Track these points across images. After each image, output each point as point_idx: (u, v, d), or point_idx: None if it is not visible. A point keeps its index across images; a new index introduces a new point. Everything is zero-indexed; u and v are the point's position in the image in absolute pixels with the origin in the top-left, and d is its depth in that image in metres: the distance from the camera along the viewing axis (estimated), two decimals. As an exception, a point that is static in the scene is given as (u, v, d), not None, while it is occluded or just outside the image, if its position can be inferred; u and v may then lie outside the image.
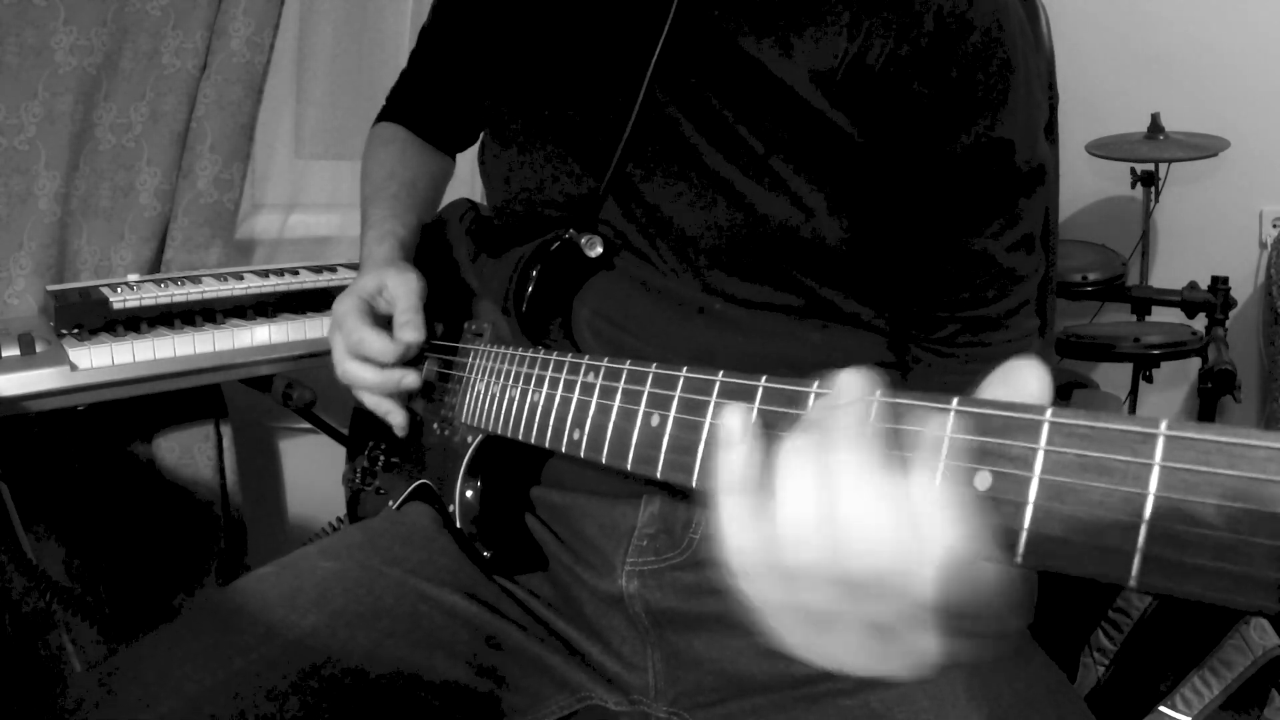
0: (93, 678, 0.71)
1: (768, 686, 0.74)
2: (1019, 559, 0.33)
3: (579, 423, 0.61)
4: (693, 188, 0.78)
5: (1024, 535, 0.32)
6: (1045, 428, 0.32)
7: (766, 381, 0.44)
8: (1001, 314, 0.80)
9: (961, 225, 0.77)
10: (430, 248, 1.02)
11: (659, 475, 0.51)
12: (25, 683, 1.41)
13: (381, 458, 0.99)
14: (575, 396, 0.62)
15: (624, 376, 0.56)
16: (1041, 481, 0.32)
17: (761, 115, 0.75)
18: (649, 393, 0.53)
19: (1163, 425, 0.30)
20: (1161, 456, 0.29)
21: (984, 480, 0.34)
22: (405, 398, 0.91)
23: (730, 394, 0.45)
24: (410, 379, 0.88)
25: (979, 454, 0.34)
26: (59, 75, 1.39)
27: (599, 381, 0.59)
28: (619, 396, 0.56)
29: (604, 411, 0.58)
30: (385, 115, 1.16)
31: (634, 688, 0.81)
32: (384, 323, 0.90)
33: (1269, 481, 0.27)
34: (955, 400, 0.36)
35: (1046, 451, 0.32)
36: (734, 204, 0.76)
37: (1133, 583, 0.29)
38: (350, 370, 0.89)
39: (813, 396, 0.42)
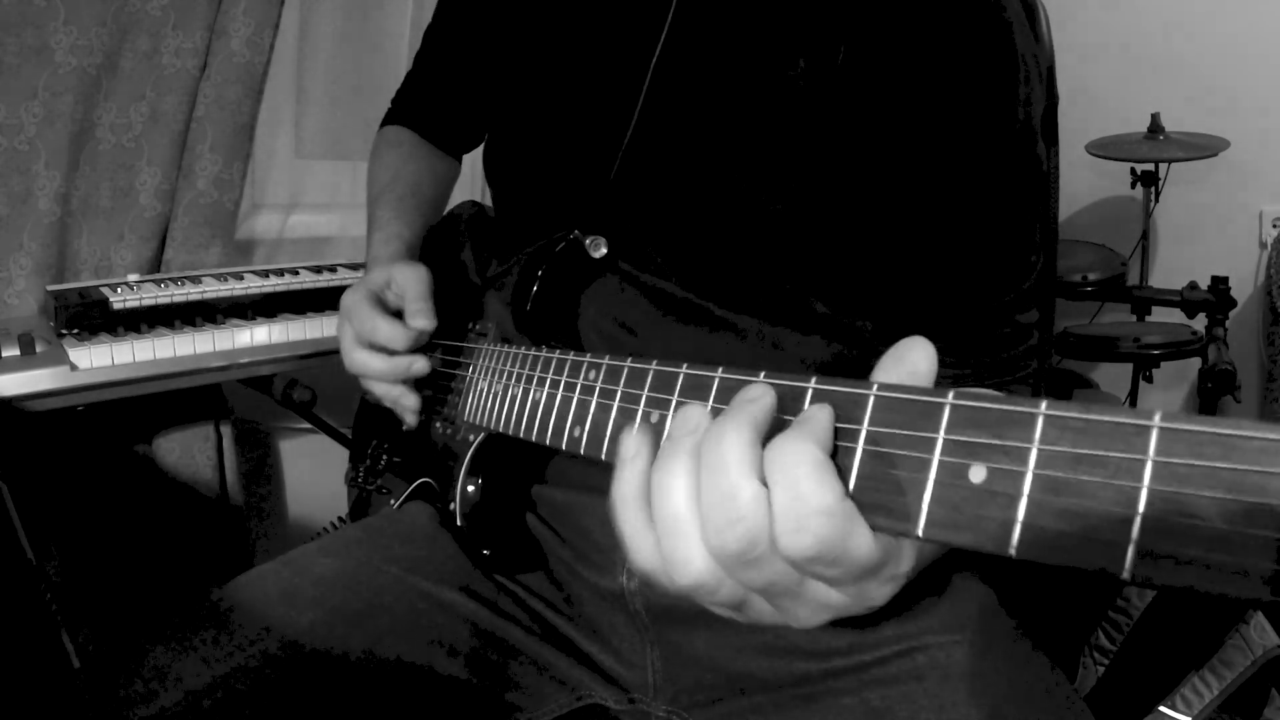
0: (93, 673, 0.71)
1: (767, 685, 0.74)
2: (1013, 552, 0.33)
3: (580, 420, 0.61)
4: (692, 190, 0.78)
5: (1018, 528, 0.32)
6: (1040, 421, 0.32)
7: (766, 377, 0.44)
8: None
9: (961, 227, 0.77)
10: (436, 249, 1.02)
11: None
12: (25, 682, 1.41)
13: (384, 457, 1.00)
14: (576, 395, 0.62)
15: (624, 375, 0.56)
16: (1035, 475, 0.32)
17: (761, 115, 0.75)
18: (649, 390, 0.53)
19: (1156, 417, 0.29)
20: (1155, 449, 0.29)
21: (979, 474, 0.34)
22: (415, 385, 0.92)
23: (729, 390, 0.45)
24: (420, 364, 0.88)
25: (974, 448, 0.34)
26: (59, 75, 1.39)
27: (599, 379, 0.59)
28: (619, 395, 0.56)
29: (604, 409, 0.58)
30: (390, 118, 1.17)
31: (633, 686, 0.81)
32: (392, 315, 0.90)
33: (1263, 473, 0.27)
34: (951, 394, 0.36)
35: (1041, 445, 0.32)
36: (732, 209, 0.76)
37: (1126, 575, 0.29)
38: (360, 359, 0.89)
39: (809, 394, 0.42)
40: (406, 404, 0.91)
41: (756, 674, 0.75)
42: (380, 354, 0.89)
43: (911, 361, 0.42)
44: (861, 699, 0.68)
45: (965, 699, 0.65)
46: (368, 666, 0.73)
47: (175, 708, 0.66)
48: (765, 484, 0.40)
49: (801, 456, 0.39)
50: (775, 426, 0.42)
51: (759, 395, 0.42)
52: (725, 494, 0.40)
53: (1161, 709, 1.40)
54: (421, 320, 0.88)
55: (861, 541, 0.39)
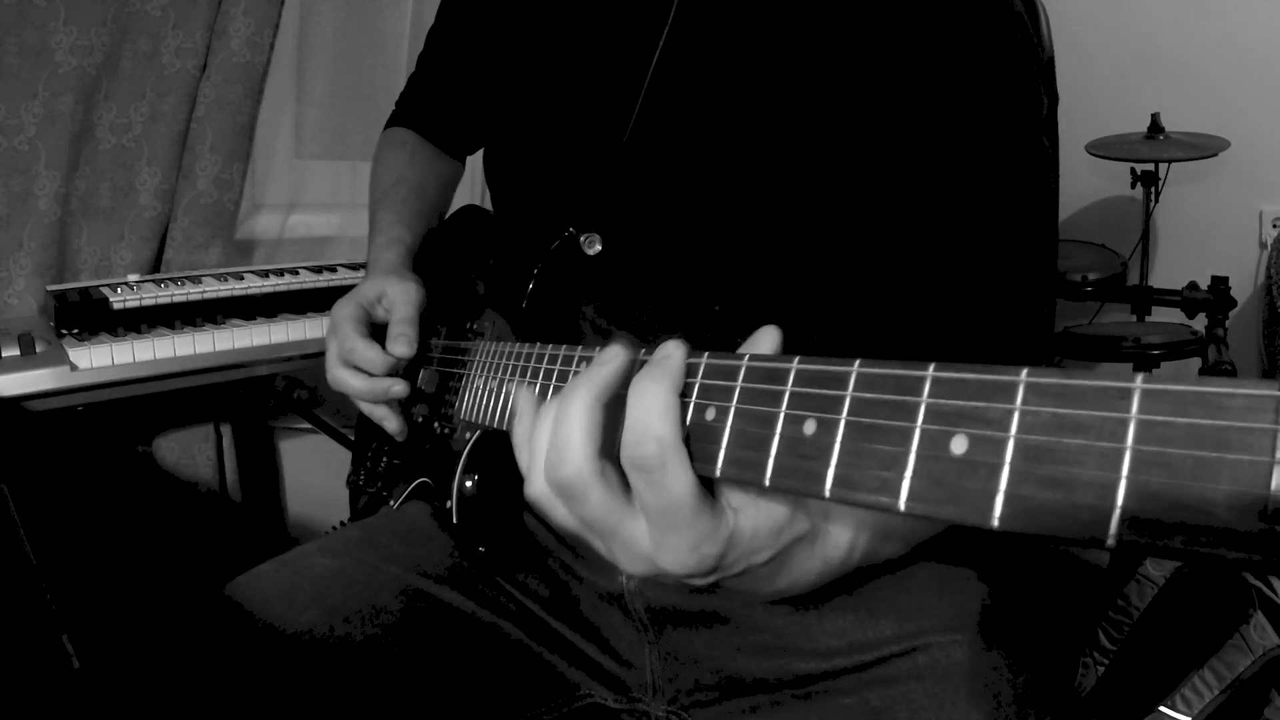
0: (93, 674, 0.71)
1: (766, 685, 0.74)
2: (996, 523, 0.32)
3: (571, 413, 0.60)
4: (694, 187, 0.78)
5: (1000, 498, 0.32)
6: (1021, 388, 0.32)
7: (749, 358, 0.44)
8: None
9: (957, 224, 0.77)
10: (437, 250, 1.02)
11: None
12: (25, 682, 1.41)
13: (385, 459, 1.00)
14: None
15: None
16: (1017, 442, 0.32)
17: (762, 114, 0.75)
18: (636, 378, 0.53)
19: (1139, 379, 0.29)
20: (1138, 409, 0.29)
21: (960, 444, 0.33)
22: (399, 404, 0.92)
23: (716, 375, 0.45)
24: (398, 388, 0.89)
25: (955, 417, 0.34)
26: (59, 75, 1.40)
27: None
28: None
29: (594, 401, 0.57)
30: (395, 119, 1.17)
31: (633, 686, 0.81)
32: (381, 330, 0.90)
33: (1249, 429, 0.26)
34: (931, 366, 0.35)
35: (1022, 411, 0.32)
36: (735, 203, 0.76)
37: (1111, 541, 0.28)
38: (340, 377, 0.90)
39: (792, 373, 0.42)
40: (389, 426, 0.91)
41: (755, 674, 0.75)
42: (360, 374, 0.89)
43: (756, 345, 0.47)
44: (861, 699, 0.68)
45: (965, 699, 0.65)
46: (366, 665, 0.73)
47: (174, 708, 0.66)
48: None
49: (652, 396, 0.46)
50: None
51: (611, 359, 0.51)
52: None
53: (1161, 709, 1.40)
54: (401, 346, 0.88)
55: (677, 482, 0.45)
